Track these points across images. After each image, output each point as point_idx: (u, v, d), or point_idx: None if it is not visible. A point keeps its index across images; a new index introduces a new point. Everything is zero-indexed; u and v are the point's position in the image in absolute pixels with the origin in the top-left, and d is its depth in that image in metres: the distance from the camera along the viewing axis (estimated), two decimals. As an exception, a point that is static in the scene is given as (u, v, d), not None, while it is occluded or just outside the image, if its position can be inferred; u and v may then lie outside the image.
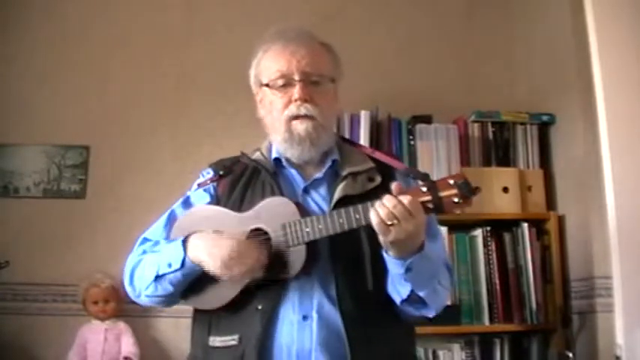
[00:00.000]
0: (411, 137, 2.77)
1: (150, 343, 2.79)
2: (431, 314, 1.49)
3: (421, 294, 1.42)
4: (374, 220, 1.33)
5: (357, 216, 1.38)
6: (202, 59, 3.08)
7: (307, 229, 1.42)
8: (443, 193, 1.32)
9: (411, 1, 3.22)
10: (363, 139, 2.67)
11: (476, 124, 2.83)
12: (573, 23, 2.57)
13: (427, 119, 2.82)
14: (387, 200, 1.32)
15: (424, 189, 1.33)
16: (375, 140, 2.72)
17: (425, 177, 1.36)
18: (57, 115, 3.00)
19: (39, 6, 3.09)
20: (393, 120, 2.80)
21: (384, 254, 1.40)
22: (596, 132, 2.32)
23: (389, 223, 1.31)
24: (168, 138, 3.01)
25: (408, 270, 1.38)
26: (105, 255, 2.80)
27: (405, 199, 1.31)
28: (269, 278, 1.45)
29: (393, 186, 1.35)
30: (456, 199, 1.31)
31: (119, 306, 2.71)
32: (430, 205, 1.33)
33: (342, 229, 1.40)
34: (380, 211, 1.32)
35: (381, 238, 1.35)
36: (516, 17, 3.15)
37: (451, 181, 1.32)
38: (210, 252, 1.43)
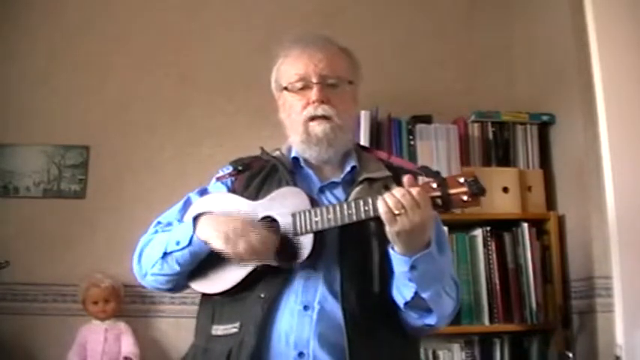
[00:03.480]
0: (411, 137, 2.77)
1: (150, 343, 2.78)
2: (433, 322, 1.48)
3: (425, 295, 1.42)
4: (381, 209, 1.34)
5: (366, 208, 1.39)
6: (202, 59, 3.07)
7: (316, 219, 1.44)
8: (452, 191, 1.33)
9: (411, 1, 3.22)
10: (363, 139, 2.67)
11: (476, 124, 2.83)
12: (573, 23, 2.57)
13: (427, 119, 2.83)
14: (396, 190, 1.35)
15: (434, 185, 1.35)
16: (375, 140, 2.72)
17: (436, 174, 1.38)
18: (57, 115, 3.00)
19: (39, 6, 3.09)
20: (393, 120, 2.80)
21: (390, 251, 1.41)
22: (596, 132, 2.33)
23: (396, 212, 1.32)
24: (168, 138, 3.00)
25: (412, 268, 1.38)
26: (105, 255, 2.80)
27: (414, 190, 1.33)
28: (275, 264, 1.46)
29: (405, 178, 1.37)
30: (465, 197, 1.32)
31: (119, 306, 2.71)
32: (439, 202, 1.34)
33: (351, 219, 1.41)
34: (388, 200, 1.34)
35: (387, 229, 1.36)
36: (516, 17, 3.15)
37: (461, 180, 1.33)
38: (216, 228, 1.46)
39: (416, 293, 1.42)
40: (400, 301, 1.46)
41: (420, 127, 2.78)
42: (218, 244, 1.45)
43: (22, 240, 2.85)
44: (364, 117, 2.73)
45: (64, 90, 3.02)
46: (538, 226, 2.67)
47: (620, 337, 2.18)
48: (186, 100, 3.04)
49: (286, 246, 1.46)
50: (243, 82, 2.93)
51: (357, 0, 3.20)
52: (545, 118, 2.81)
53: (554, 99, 2.80)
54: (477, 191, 1.32)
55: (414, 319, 1.49)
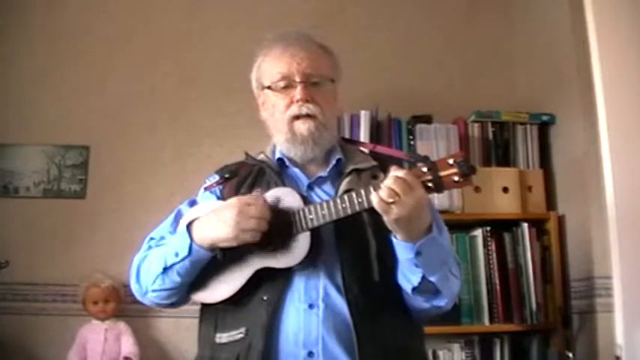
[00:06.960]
0: (411, 137, 2.77)
1: (150, 343, 2.79)
2: (443, 303, 1.49)
3: (433, 279, 1.42)
4: (374, 201, 1.33)
5: (360, 199, 1.39)
6: (203, 59, 3.08)
7: (311, 216, 1.43)
8: (443, 173, 1.33)
9: (411, 1, 3.22)
10: (363, 140, 2.67)
11: (476, 124, 2.83)
12: (573, 23, 2.57)
13: (427, 119, 2.83)
14: (386, 180, 1.34)
15: (424, 169, 1.34)
16: (375, 140, 2.72)
17: (425, 158, 1.37)
18: (57, 115, 3.00)
19: (38, 6, 3.09)
20: (393, 120, 2.80)
21: (393, 240, 1.41)
22: (596, 132, 2.33)
23: (390, 200, 1.31)
24: (168, 138, 3.01)
25: (418, 254, 1.38)
26: (105, 255, 2.80)
27: (402, 173, 1.33)
28: (277, 245, 1.45)
29: (392, 168, 1.36)
30: (456, 178, 1.32)
31: (119, 306, 2.71)
32: (430, 185, 1.34)
33: (345, 213, 1.41)
34: (380, 191, 1.33)
35: (385, 219, 1.36)
36: (516, 17, 3.15)
37: (450, 161, 1.33)
38: (215, 225, 1.45)
39: (423, 278, 1.42)
40: (407, 287, 1.46)
41: (420, 127, 2.78)
42: (225, 237, 1.43)
43: (22, 240, 2.86)
44: (364, 117, 2.74)
45: (64, 90, 3.03)
46: (538, 226, 2.67)
47: (620, 337, 2.18)
48: (186, 100, 3.04)
49: (280, 221, 1.45)
50: (244, 81, 2.92)
51: (357, 0, 3.20)
52: (545, 118, 2.81)
53: (554, 99, 2.80)
54: (468, 171, 1.31)
55: (421, 302, 1.49)
